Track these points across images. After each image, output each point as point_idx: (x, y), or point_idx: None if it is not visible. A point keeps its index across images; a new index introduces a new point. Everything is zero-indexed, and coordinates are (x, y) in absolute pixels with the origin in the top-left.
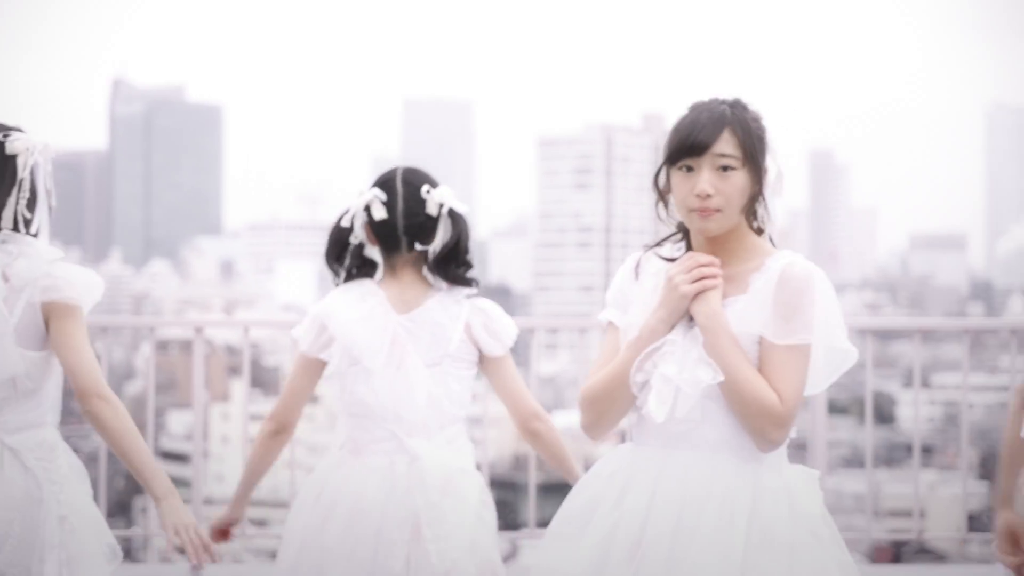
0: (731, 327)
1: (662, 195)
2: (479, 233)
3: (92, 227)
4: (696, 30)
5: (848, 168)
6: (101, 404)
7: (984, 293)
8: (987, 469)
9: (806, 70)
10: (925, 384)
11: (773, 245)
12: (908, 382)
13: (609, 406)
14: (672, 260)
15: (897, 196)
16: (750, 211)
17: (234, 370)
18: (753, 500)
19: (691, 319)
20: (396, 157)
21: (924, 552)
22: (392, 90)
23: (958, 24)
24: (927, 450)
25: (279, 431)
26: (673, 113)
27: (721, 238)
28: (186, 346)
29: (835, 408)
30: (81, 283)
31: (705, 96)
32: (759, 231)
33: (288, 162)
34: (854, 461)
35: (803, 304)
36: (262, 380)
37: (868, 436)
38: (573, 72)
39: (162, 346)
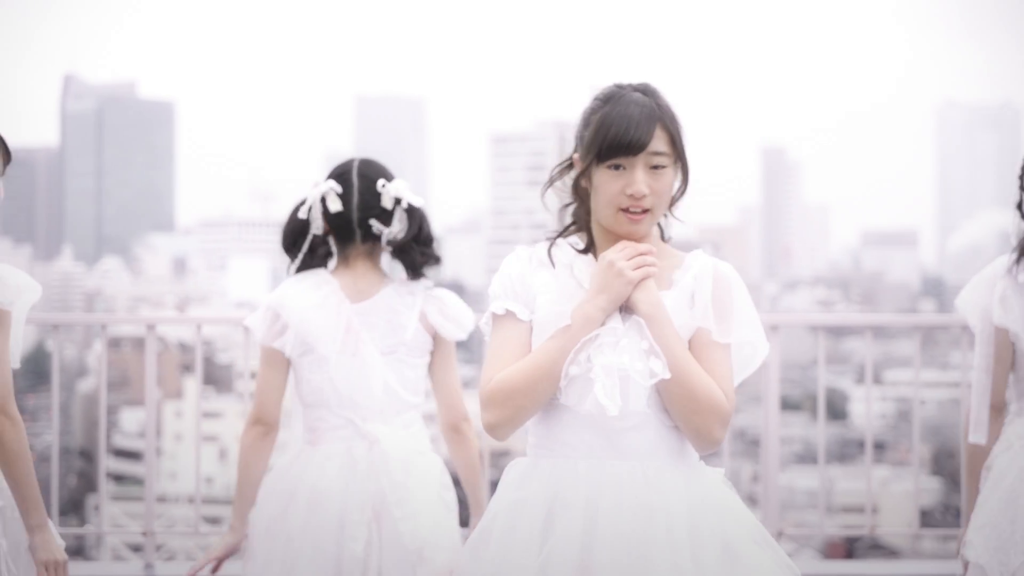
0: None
1: (580, 194)
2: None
3: (43, 224)
4: (648, 27)
5: (800, 165)
6: (4, 422)
7: (936, 290)
8: (939, 465)
9: (757, 67)
10: (877, 380)
11: (664, 240)
12: (860, 378)
13: (530, 401)
14: (584, 252)
15: (849, 193)
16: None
17: (187, 367)
18: (690, 510)
19: (625, 309)
20: (348, 154)
21: (877, 547)
22: (344, 87)
23: (909, 22)
24: (879, 446)
25: (266, 432)
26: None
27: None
28: (139, 343)
29: (788, 404)
30: (12, 285)
31: (624, 81)
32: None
33: (241, 159)
34: (807, 457)
35: (735, 302)
36: (215, 377)
37: (820, 432)
38: (525, 69)
39: (114, 343)
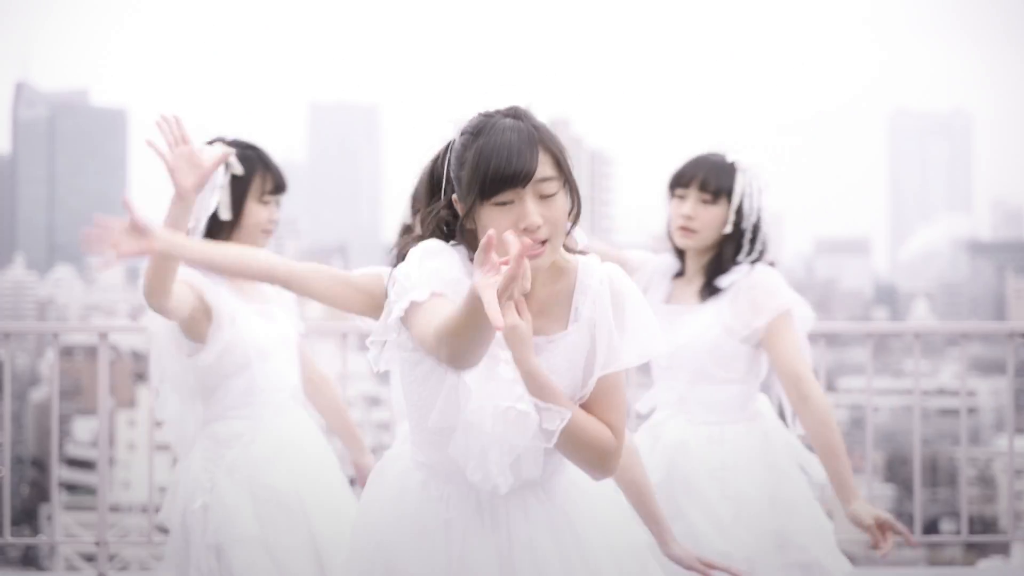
0: (560, 362)
1: (470, 231)
2: (386, 237)
3: None
4: (599, 31)
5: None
6: None
7: (888, 297)
8: (892, 472)
9: (710, 76)
10: (830, 388)
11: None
12: None
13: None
14: None
15: (802, 201)
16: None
17: (140, 376)
18: (601, 528)
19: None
20: (303, 160)
21: None
22: (297, 94)
23: (860, 31)
24: None
25: None
26: (581, 118)
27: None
28: (91, 352)
29: None
30: None
31: (489, 108)
32: None
33: None
34: None
35: (631, 318)
36: None
37: None
38: (480, 75)
39: (67, 352)
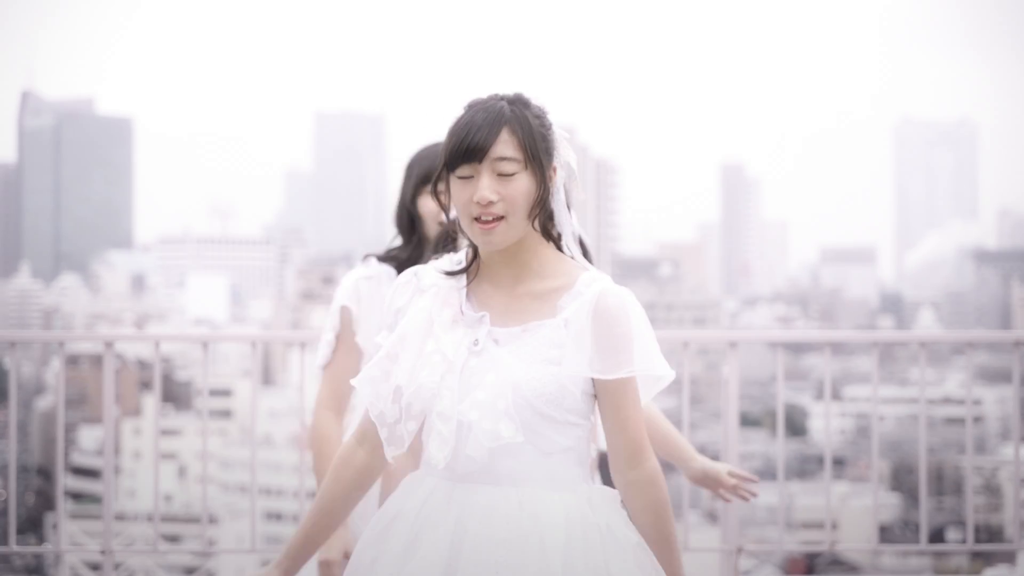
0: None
1: (444, 206)
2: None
3: (0, 241)
4: (607, 42)
5: (759, 181)
6: None
7: (894, 306)
8: (898, 481)
9: (717, 84)
10: (836, 397)
11: (573, 258)
12: (819, 395)
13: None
14: (453, 273)
15: (808, 209)
16: (543, 220)
17: (146, 385)
18: (568, 538)
19: (475, 342)
20: (308, 169)
21: (837, 563)
22: (303, 103)
23: (866, 41)
24: (839, 462)
25: None
26: (587, 127)
27: (513, 251)
28: (96, 361)
29: (747, 420)
30: None
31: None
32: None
33: (199, 175)
34: (766, 473)
35: (622, 337)
36: (174, 395)
37: (780, 448)
38: (486, 84)
39: (72, 361)
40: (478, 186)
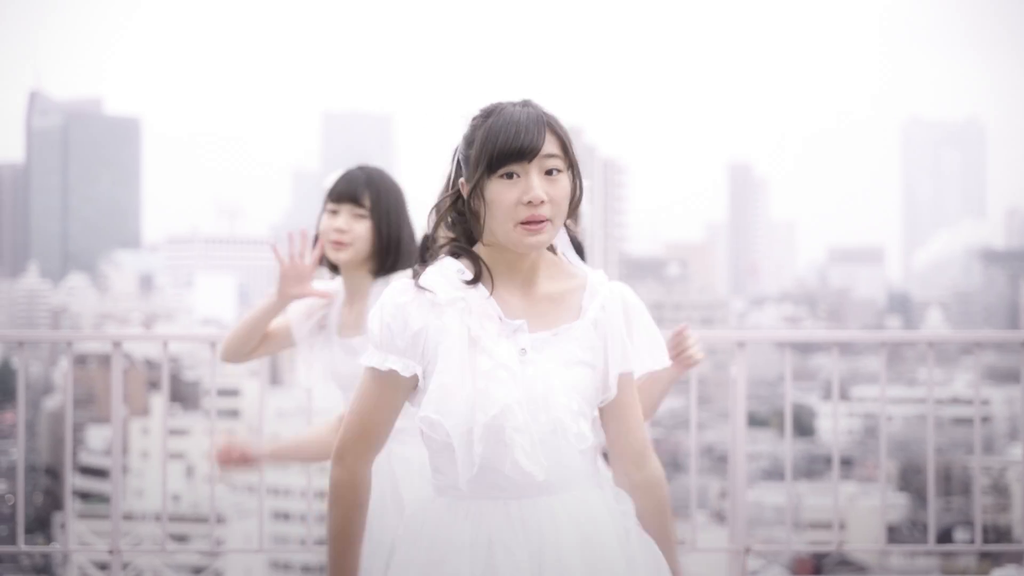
0: (570, 356)
1: (474, 212)
2: None
3: (8, 241)
4: (614, 43)
5: (767, 181)
6: None
7: (902, 306)
8: (906, 481)
9: (724, 84)
10: (844, 397)
11: (568, 259)
12: (827, 395)
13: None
14: (473, 282)
15: (815, 209)
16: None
17: (153, 384)
18: (625, 532)
19: (523, 351)
20: (316, 169)
21: (845, 563)
22: (311, 103)
23: (874, 40)
24: (846, 462)
25: None
26: (594, 127)
27: (527, 254)
28: (105, 360)
29: (755, 420)
30: None
31: (512, 98)
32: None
33: (207, 175)
34: (774, 473)
35: (642, 331)
36: (182, 394)
37: (788, 448)
38: (493, 84)
39: (80, 360)
40: (529, 185)
